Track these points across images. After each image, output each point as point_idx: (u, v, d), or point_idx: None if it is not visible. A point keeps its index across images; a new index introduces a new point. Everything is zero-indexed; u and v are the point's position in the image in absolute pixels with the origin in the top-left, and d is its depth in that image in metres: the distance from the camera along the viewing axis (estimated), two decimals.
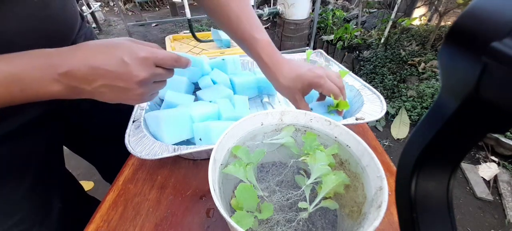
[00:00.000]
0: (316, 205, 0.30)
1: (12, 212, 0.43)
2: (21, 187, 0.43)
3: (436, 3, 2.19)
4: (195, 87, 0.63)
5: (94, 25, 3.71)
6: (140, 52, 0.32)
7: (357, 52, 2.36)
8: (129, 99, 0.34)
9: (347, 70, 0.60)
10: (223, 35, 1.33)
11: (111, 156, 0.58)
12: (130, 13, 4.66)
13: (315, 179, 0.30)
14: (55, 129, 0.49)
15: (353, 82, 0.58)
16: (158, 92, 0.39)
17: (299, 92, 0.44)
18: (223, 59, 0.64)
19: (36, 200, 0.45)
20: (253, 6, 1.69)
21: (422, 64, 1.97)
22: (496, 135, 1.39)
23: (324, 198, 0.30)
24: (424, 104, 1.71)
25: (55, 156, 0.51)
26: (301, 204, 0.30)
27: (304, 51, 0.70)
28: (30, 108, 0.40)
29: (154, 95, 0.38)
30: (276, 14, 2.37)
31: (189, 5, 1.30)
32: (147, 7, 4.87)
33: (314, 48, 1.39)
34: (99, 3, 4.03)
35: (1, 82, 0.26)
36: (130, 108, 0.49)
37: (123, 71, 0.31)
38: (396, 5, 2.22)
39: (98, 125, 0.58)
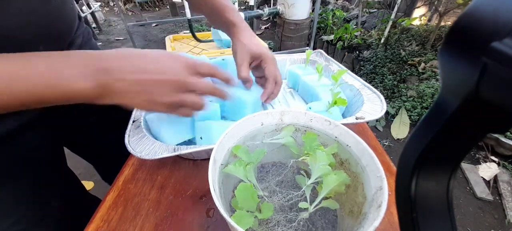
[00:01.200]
0: (317, 205, 0.30)
1: (11, 211, 0.42)
2: (20, 187, 0.43)
3: (436, 3, 2.19)
4: None
5: (94, 25, 3.71)
6: (186, 59, 0.32)
7: (357, 52, 2.36)
8: (159, 102, 0.33)
9: (345, 68, 0.60)
10: (223, 35, 1.32)
11: (110, 156, 0.58)
12: (130, 13, 4.66)
13: (316, 179, 0.30)
14: (55, 129, 0.49)
15: (353, 81, 0.58)
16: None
17: (249, 57, 0.48)
18: (223, 59, 0.64)
19: (35, 199, 0.45)
20: (252, 6, 1.69)
21: (422, 64, 1.97)
22: (496, 135, 1.39)
23: (325, 198, 0.30)
24: (424, 104, 1.71)
25: (55, 156, 0.51)
26: (302, 204, 0.30)
27: (304, 51, 0.70)
28: (25, 110, 0.40)
29: (180, 110, 0.36)
30: (276, 14, 2.37)
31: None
32: (147, 7, 4.87)
33: (314, 48, 1.38)
34: (99, 3, 4.03)
35: (36, 75, 0.26)
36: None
37: (157, 69, 0.30)
38: (396, 5, 2.22)
39: (97, 124, 0.58)
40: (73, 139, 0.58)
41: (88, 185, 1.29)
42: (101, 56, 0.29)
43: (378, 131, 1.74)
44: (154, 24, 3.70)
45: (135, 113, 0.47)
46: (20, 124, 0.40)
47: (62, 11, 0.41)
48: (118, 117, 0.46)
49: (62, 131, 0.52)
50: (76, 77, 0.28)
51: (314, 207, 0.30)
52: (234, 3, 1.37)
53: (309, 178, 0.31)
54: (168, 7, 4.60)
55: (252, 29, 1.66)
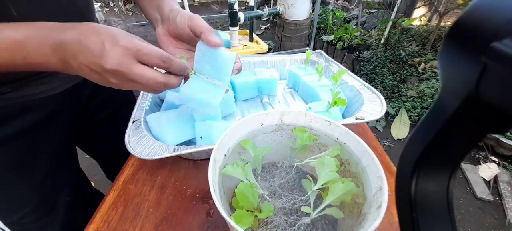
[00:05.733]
0: (321, 211, 0.29)
1: (21, 206, 0.45)
2: (30, 182, 0.45)
3: (436, 3, 2.19)
4: None
5: None
6: (122, 40, 0.29)
7: (357, 52, 2.36)
8: (110, 85, 0.32)
9: (345, 69, 0.60)
10: (223, 36, 1.33)
11: (117, 154, 0.59)
12: (130, 14, 4.66)
13: (322, 185, 0.30)
14: (66, 126, 0.50)
15: (353, 82, 0.58)
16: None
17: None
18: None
19: (44, 194, 0.47)
20: (252, 6, 1.69)
21: (422, 65, 1.97)
22: (496, 135, 1.39)
23: (329, 206, 0.29)
24: (424, 105, 1.71)
25: (66, 152, 0.53)
26: (305, 209, 0.29)
27: (304, 52, 0.70)
28: (42, 107, 0.43)
29: (145, 87, 0.33)
30: (276, 15, 2.37)
31: (189, 5, 1.30)
32: None
33: (314, 49, 1.38)
34: (99, 4, 4.03)
35: (7, 47, 0.27)
36: None
37: (98, 53, 0.29)
38: (396, 5, 2.22)
39: (108, 121, 0.59)
40: (83, 135, 0.59)
41: None
42: (60, 29, 0.29)
43: (378, 131, 1.74)
44: None
45: (135, 113, 0.47)
46: (37, 119, 0.43)
47: (86, 10, 0.44)
48: (128, 116, 0.47)
49: (75, 127, 0.53)
50: (44, 52, 0.28)
51: (317, 213, 0.29)
52: (234, 4, 1.37)
53: (315, 183, 0.31)
54: None
55: (252, 29, 1.66)
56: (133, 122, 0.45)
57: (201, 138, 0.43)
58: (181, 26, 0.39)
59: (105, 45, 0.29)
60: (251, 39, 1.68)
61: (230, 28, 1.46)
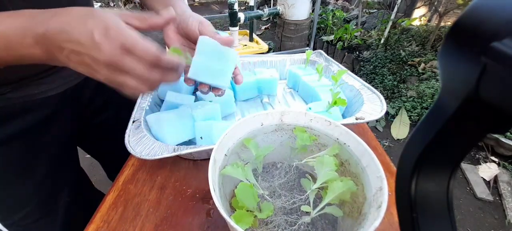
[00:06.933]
0: (320, 210, 0.29)
1: (21, 206, 0.45)
2: (30, 183, 0.45)
3: (436, 3, 2.19)
4: (195, 88, 0.62)
5: None
6: (112, 30, 0.28)
7: (357, 52, 2.36)
8: (98, 77, 0.30)
9: (345, 69, 0.60)
10: (224, 35, 1.32)
11: (118, 154, 0.60)
12: None
13: (321, 184, 0.30)
14: (66, 126, 0.50)
15: (353, 82, 0.58)
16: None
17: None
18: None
19: (44, 194, 0.47)
20: (252, 6, 1.69)
21: (422, 65, 1.97)
22: (496, 135, 1.39)
23: (329, 204, 0.29)
24: (424, 105, 1.71)
25: (66, 152, 0.53)
26: (305, 208, 0.29)
27: (304, 52, 0.70)
28: (42, 107, 0.43)
29: (131, 87, 0.31)
30: (276, 15, 2.37)
31: (190, 5, 1.30)
32: None
33: (314, 49, 1.38)
34: (99, 4, 4.03)
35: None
36: None
37: (88, 45, 0.27)
38: (396, 5, 2.22)
39: (106, 123, 0.59)
40: (84, 135, 0.59)
41: None
42: (43, 16, 0.27)
43: (378, 131, 1.74)
44: None
45: (135, 114, 0.47)
46: (37, 119, 0.43)
47: None
48: (130, 115, 0.47)
49: (75, 127, 0.53)
50: (27, 43, 0.27)
51: (317, 212, 0.29)
52: (234, 4, 1.37)
53: (315, 182, 0.31)
54: None
55: (252, 29, 1.66)
56: (133, 122, 0.45)
57: (201, 138, 0.43)
58: (191, 27, 0.43)
59: (94, 35, 0.27)
60: (251, 39, 1.68)
61: (230, 28, 1.47)
